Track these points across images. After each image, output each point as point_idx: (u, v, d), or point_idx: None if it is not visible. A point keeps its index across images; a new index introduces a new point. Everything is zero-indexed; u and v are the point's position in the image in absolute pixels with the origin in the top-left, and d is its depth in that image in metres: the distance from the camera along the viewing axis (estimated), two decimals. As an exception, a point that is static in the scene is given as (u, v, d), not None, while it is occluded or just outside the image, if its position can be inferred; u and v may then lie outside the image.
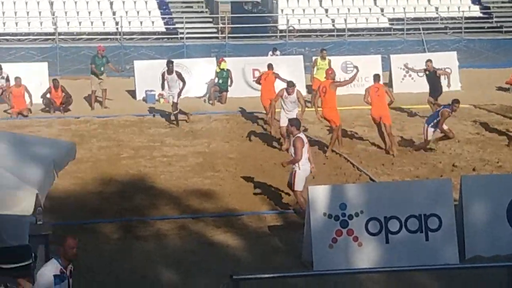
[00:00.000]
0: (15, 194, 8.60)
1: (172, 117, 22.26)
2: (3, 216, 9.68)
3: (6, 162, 9.11)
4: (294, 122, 14.38)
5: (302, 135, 14.19)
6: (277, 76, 21.75)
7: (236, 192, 15.90)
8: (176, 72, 22.44)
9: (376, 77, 19.50)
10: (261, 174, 17.13)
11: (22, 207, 8.60)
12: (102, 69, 24.89)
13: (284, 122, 18.06)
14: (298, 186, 13.89)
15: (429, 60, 23.19)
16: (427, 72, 23.06)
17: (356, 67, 21.84)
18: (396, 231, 11.90)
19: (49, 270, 8.90)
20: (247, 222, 14.25)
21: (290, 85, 18.92)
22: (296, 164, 13.91)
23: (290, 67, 25.97)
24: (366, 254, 11.80)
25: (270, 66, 22.30)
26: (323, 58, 25.56)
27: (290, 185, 14.14)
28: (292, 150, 14.06)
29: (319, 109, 18.83)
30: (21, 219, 10.34)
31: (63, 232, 12.96)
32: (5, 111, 23.53)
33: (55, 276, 8.82)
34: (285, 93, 18.82)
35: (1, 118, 22.88)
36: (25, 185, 8.68)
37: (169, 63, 22.52)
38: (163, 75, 22.20)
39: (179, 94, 22.07)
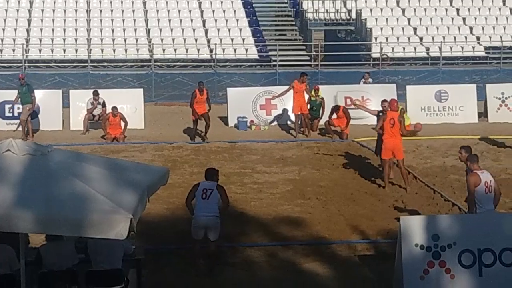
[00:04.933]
0: (110, 218, 8.78)
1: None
2: (98, 240, 9.91)
3: (102, 186, 9.32)
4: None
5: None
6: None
7: (326, 220, 15.84)
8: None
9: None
10: (351, 203, 17.03)
11: (117, 231, 8.77)
12: (24, 97, 24.10)
13: None
14: None
15: (385, 101, 18.96)
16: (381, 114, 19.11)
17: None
18: (490, 264, 11.61)
19: None
20: (337, 251, 14.18)
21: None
22: None
23: (383, 96, 25.76)
24: (458, 287, 11.55)
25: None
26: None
27: None
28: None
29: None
30: (116, 244, 10.55)
31: (154, 256, 13.18)
32: (101, 136, 24.10)
33: None
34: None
35: (97, 143, 23.43)
36: (120, 210, 8.85)
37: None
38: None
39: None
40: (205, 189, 12.86)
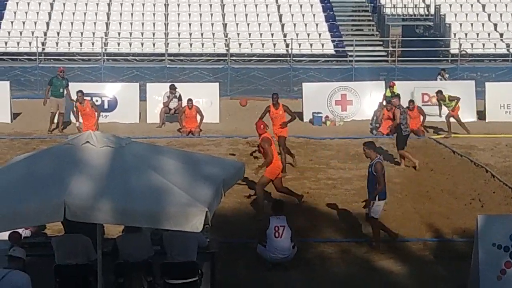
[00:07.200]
0: (186, 211, 8.84)
1: None
2: (173, 232, 10.01)
3: (178, 179, 9.39)
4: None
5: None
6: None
7: (401, 217, 15.70)
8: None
9: None
10: (427, 201, 16.84)
11: (192, 224, 8.81)
12: (61, 90, 24.44)
13: None
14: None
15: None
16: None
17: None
18: None
19: None
20: (411, 248, 14.04)
21: None
22: None
23: (460, 93, 25.38)
24: (536, 289, 11.33)
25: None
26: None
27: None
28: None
29: None
30: (191, 236, 10.63)
31: (228, 250, 13.25)
32: (177, 130, 24.33)
33: None
34: None
35: (173, 136, 23.65)
36: (196, 203, 8.90)
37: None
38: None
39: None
40: (276, 227, 12.86)
